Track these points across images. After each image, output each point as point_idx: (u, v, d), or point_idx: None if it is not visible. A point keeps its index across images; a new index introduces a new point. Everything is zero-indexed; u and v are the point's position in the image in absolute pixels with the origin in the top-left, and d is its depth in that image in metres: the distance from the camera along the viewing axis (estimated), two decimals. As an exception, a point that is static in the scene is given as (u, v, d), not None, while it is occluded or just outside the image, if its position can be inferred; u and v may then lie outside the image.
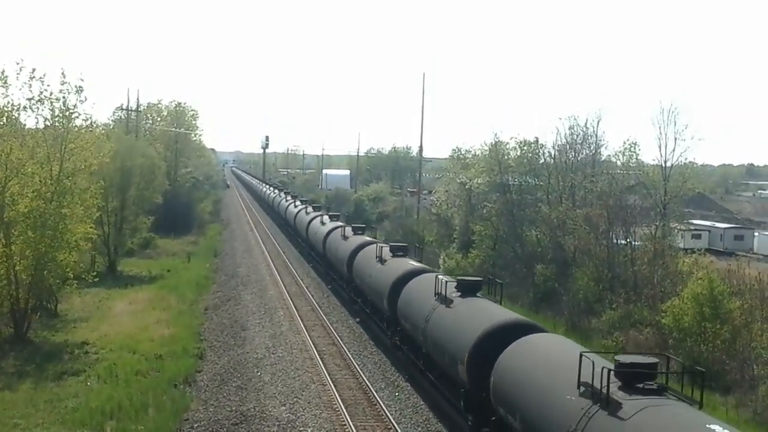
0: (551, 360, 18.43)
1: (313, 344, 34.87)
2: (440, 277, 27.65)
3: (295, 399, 27.35)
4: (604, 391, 15.03)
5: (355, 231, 47.50)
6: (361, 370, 31.01)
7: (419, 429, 25.08)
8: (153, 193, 67.70)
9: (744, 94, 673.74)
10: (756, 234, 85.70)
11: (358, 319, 40.71)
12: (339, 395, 27.51)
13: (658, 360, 16.11)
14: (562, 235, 49.30)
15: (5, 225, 36.22)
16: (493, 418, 20.69)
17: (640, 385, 15.13)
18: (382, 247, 37.71)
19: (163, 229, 78.38)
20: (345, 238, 46.86)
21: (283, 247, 72.24)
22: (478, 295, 25.98)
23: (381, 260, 36.31)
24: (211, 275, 58.21)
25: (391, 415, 25.72)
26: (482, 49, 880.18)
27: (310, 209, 69.17)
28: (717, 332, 32.33)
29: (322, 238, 52.95)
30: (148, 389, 28.85)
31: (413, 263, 34.33)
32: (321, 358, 32.45)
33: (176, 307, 45.32)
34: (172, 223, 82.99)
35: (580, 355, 16.41)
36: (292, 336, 36.73)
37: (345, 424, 24.80)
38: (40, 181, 37.25)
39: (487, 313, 23.46)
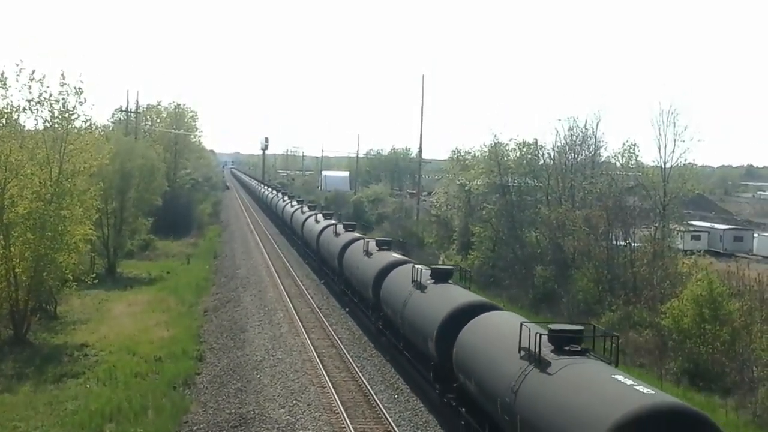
0: (500, 332, 21.32)
1: (313, 346, 34.85)
2: (417, 266, 30.76)
3: (294, 401, 27.33)
4: (538, 352, 17.98)
5: (346, 228, 50.60)
6: (360, 372, 30.99)
7: (419, 431, 25.05)
8: (152, 195, 67.74)
9: (743, 95, 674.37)
10: (755, 235, 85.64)
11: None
12: (338, 397, 27.49)
13: (583, 327, 19.05)
14: (562, 236, 49.31)
15: (5, 226, 36.23)
16: (455, 384, 23.48)
17: (567, 348, 18.05)
18: (368, 242, 41.56)
19: (162, 230, 78.38)
20: (337, 234, 49.88)
21: (283, 249, 72.23)
22: (449, 281, 28.92)
23: (368, 253, 39.44)
24: (210, 277, 58.21)
25: (391, 417, 25.70)
26: (481, 51, 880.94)
27: (305, 208, 71.42)
28: (716, 334, 32.30)
29: (316, 235, 56.63)
30: (148, 391, 28.85)
31: (396, 256, 37.91)
32: (320, 360, 32.43)
33: (176, 308, 45.32)
34: (171, 225, 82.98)
35: (521, 325, 19.26)
36: (291, 338, 36.71)
37: (344, 427, 24.78)
38: (40, 182, 37.26)
39: (454, 296, 26.38)
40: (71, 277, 38.45)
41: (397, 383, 30.06)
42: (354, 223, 55.75)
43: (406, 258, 38.06)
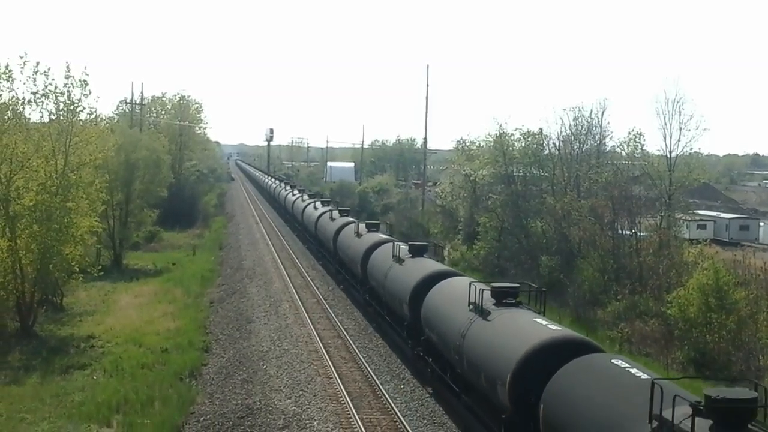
0: (457, 292, 25.40)
1: (319, 337, 34.90)
2: (397, 243, 35.55)
3: (300, 392, 27.38)
4: (481, 305, 22.77)
5: (342, 213, 54.20)
6: (366, 362, 31.03)
7: (425, 422, 25.09)
8: (158, 187, 67.78)
9: (749, 83, 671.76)
10: (761, 224, 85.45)
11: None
12: (344, 388, 27.53)
13: (518, 285, 24.14)
14: (567, 226, 49.25)
15: (11, 219, 36.28)
16: (423, 338, 28.16)
17: (505, 301, 22.71)
18: (359, 224, 45.59)
19: (168, 222, 78.50)
20: (332, 219, 53.25)
21: (288, 240, 72.27)
22: (424, 256, 33.49)
23: (358, 234, 43.42)
24: (216, 268, 58.28)
25: (397, 407, 25.74)
26: (486, 41, 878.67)
27: (306, 197, 73.96)
28: (722, 323, 32.23)
29: (314, 220, 59.67)
30: (154, 382, 28.94)
31: (382, 236, 42.01)
32: (326, 351, 32.47)
33: (181, 300, 45.40)
34: (176, 217, 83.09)
35: (470, 285, 23.80)
36: (297, 329, 36.76)
37: (351, 417, 24.83)
38: (45, 174, 37.30)
39: (425, 266, 30.90)
40: (77, 269, 38.53)
41: (403, 373, 30.10)
42: (348, 209, 59.72)
43: (391, 237, 42.19)
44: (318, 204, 65.04)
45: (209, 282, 52.25)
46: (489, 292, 23.16)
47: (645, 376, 15.54)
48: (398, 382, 28.94)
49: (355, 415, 24.84)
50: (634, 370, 16.10)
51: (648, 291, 39.41)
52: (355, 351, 32.85)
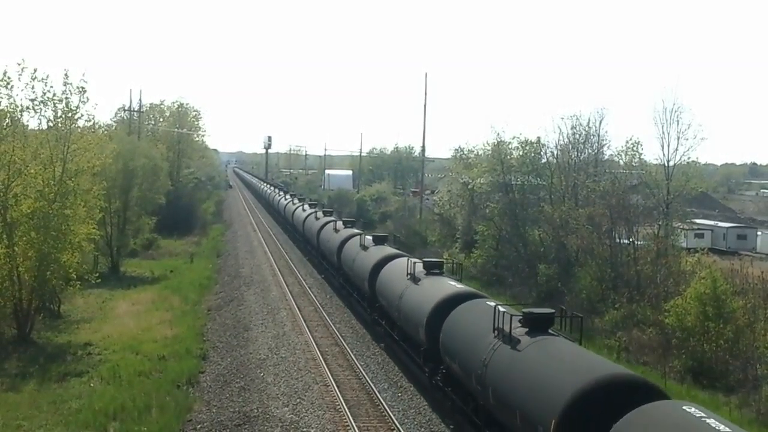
0: (479, 316, 23.07)
1: (316, 345, 34.86)
2: (411, 259, 32.70)
3: (298, 400, 27.34)
4: (509, 332, 20.08)
5: (345, 224, 51.54)
6: (364, 370, 30.99)
7: (423, 430, 25.06)
8: (156, 194, 67.82)
9: (747, 92, 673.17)
10: (759, 233, 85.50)
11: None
12: (342, 396, 27.50)
13: (553, 311, 20.91)
14: (565, 234, 49.26)
15: (8, 226, 36.26)
16: (442, 367, 25.50)
17: (537, 328, 20.00)
18: (365, 236, 43.20)
19: (165, 229, 78.46)
20: (336, 230, 50.79)
21: (286, 248, 72.24)
22: (440, 273, 31.01)
23: (364, 248, 41.22)
24: (213, 276, 58.23)
25: (395, 416, 25.71)
26: (484, 49, 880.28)
27: (306, 206, 72.10)
28: (720, 332, 32.28)
29: (316, 231, 57.32)
30: (151, 390, 28.87)
31: (391, 249, 39.42)
32: (324, 359, 32.44)
33: (179, 307, 45.34)
34: (174, 224, 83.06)
35: (495, 308, 21.31)
36: (295, 336, 36.72)
37: (348, 426, 24.79)
38: (43, 181, 37.29)
39: (443, 287, 28.13)
40: (75, 276, 38.44)
41: (400, 381, 30.07)
42: (353, 219, 56.85)
43: (401, 252, 39.49)
44: (319, 214, 62.57)
45: (207, 289, 52.20)
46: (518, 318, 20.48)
47: (725, 429, 13.35)
48: (396, 390, 28.91)
49: (353, 423, 24.81)
50: (711, 421, 13.64)
51: (646, 300, 39.42)
52: (352, 359, 32.81)
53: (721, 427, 13.38)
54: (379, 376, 30.70)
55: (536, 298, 47.76)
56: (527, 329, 20.04)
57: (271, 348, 34.53)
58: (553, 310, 20.75)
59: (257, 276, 55.05)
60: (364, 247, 41.12)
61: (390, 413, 25.89)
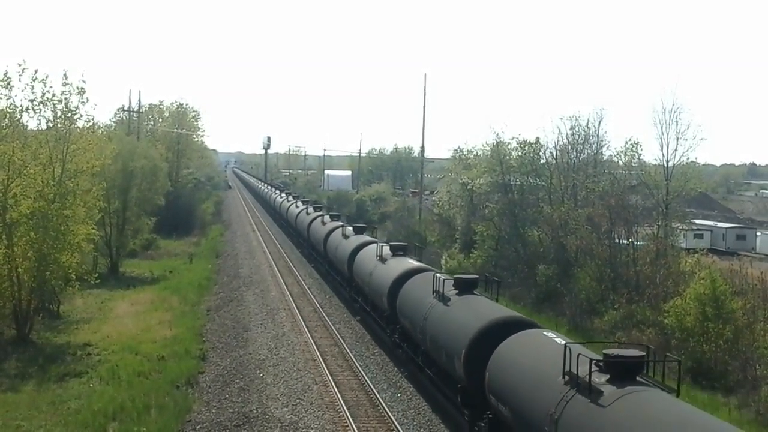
0: (541, 353, 19.00)
1: (316, 345, 34.87)
2: (438, 275, 28.14)
3: (297, 400, 27.35)
4: (587, 379, 15.73)
5: (356, 231, 49.14)
6: (363, 371, 31.00)
7: (422, 430, 25.07)
8: (155, 195, 67.78)
9: (746, 93, 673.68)
10: (758, 234, 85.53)
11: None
12: (341, 396, 27.51)
13: (643, 354, 16.51)
14: (564, 235, 49.26)
15: (8, 226, 36.25)
16: (489, 413, 21.39)
17: (622, 375, 15.73)
18: (382, 246, 38.76)
19: (165, 230, 78.45)
20: (345, 237, 48.26)
21: (285, 248, 72.25)
22: (475, 292, 26.73)
23: (381, 259, 37.31)
24: (213, 276, 58.22)
25: (394, 416, 25.72)
26: (483, 49, 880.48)
27: (311, 209, 70.43)
28: (719, 332, 32.30)
29: (322, 237, 54.42)
30: (151, 391, 28.86)
31: (412, 262, 35.18)
32: (323, 359, 32.45)
33: (178, 308, 45.33)
34: (174, 224, 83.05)
35: (565, 347, 17.08)
36: (294, 337, 36.73)
37: (347, 426, 24.80)
38: (43, 182, 37.28)
39: (484, 310, 23.89)
40: (74, 277, 38.44)
41: (400, 382, 30.08)
42: (364, 225, 53.71)
43: (425, 265, 35.10)
44: (326, 218, 59.29)
45: (206, 290, 52.20)
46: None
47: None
48: (395, 391, 28.92)
49: (352, 423, 24.82)
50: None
51: (645, 300, 39.41)
52: (351, 359, 32.82)
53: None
54: (378, 376, 30.70)
55: (535, 298, 47.80)
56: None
57: (271, 348, 34.54)
58: (642, 353, 16.74)
59: (256, 276, 55.06)
60: (382, 259, 37.00)
61: (389, 414, 25.90)
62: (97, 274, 44.27)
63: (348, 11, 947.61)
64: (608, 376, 15.78)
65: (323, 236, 53.62)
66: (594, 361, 16.09)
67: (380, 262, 37.00)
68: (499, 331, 21.50)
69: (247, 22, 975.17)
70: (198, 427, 25.44)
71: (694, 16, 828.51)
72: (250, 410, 26.38)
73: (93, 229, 41.60)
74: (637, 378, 15.77)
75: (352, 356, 33.25)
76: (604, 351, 16.43)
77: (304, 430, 24.59)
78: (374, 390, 28.43)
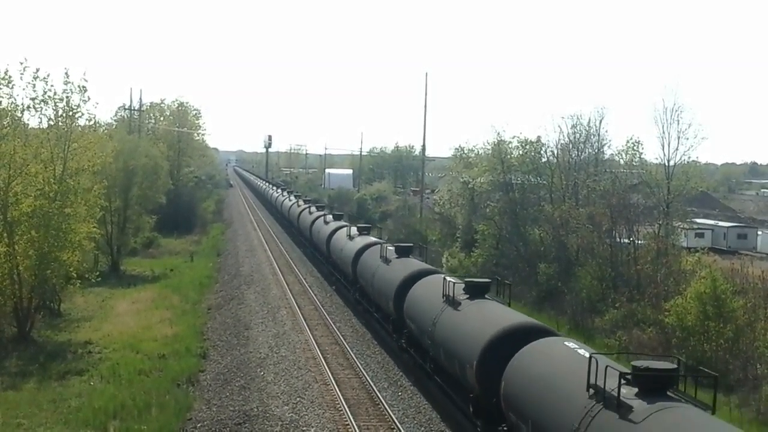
0: (564, 364, 17.90)
1: (316, 343, 34.88)
2: (448, 279, 27.36)
3: (298, 398, 27.36)
4: (615, 393, 14.73)
5: (361, 231, 48.03)
6: (364, 369, 31.01)
7: (422, 429, 25.06)
8: (156, 193, 67.84)
9: (747, 92, 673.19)
10: (759, 233, 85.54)
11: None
12: (342, 395, 27.52)
13: (675, 366, 15.41)
14: (565, 233, 49.27)
15: (9, 224, 36.26)
16: (505, 427, 20.26)
17: (653, 389, 14.79)
18: (386, 247, 37.91)
19: (166, 228, 78.49)
20: (351, 238, 47.46)
21: (286, 246, 72.27)
22: (486, 297, 25.76)
23: (386, 260, 36.30)
24: (214, 274, 58.24)
25: (395, 414, 25.72)
26: (485, 48, 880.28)
27: (313, 209, 70.15)
28: (720, 331, 32.29)
29: (325, 237, 53.48)
30: (151, 389, 28.87)
31: (419, 264, 34.24)
32: (324, 358, 32.46)
33: (179, 306, 45.35)
34: (175, 223, 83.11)
35: (591, 358, 16.06)
36: (295, 335, 36.75)
37: (348, 424, 24.80)
38: (44, 180, 37.28)
39: (497, 317, 22.93)
40: (75, 275, 38.45)
41: (400, 380, 30.09)
42: (369, 225, 53.11)
43: (431, 267, 34.21)
44: (329, 218, 58.16)
45: (207, 288, 52.21)
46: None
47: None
48: (396, 389, 28.92)
49: (353, 422, 24.82)
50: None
51: (646, 299, 39.41)
52: (352, 357, 32.83)
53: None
54: (379, 374, 30.71)
55: (536, 297, 47.81)
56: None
57: (272, 347, 34.56)
58: (674, 365, 15.40)
59: (257, 275, 55.07)
60: (386, 260, 36.10)
61: (390, 412, 25.90)
62: (98, 273, 44.29)
63: (349, 11, 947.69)
64: (637, 390, 14.80)
65: (326, 236, 52.60)
66: (622, 374, 14.98)
67: (384, 263, 36.13)
68: (514, 339, 20.54)
69: (248, 21, 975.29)
70: (198, 425, 25.45)
71: (695, 15, 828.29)
72: (250, 408, 26.39)
73: (94, 227, 41.61)
74: (668, 393, 14.81)
75: (353, 354, 33.26)
76: (633, 363, 15.48)
77: (304, 428, 24.59)
78: (375, 388, 28.44)
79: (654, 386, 14.73)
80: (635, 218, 45.86)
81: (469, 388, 22.68)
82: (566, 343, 19.39)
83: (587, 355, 16.60)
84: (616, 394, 14.62)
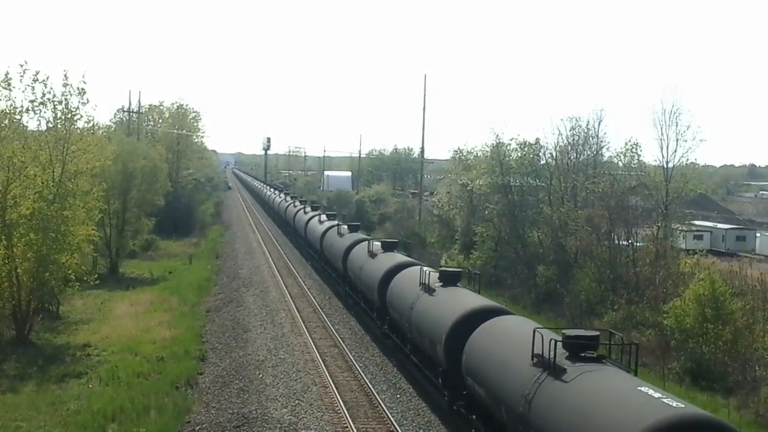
0: (512, 337, 20.60)
1: (315, 346, 34.87)
2: (425, 269, 30.36)
3: (297, 401, 27.34)
4: (552, 360, 17.17)
5: (350, 229, 50.41)
6: (362, 372, 31.00)
7: (421, 431, 25.05)
8: (155, 195, 67.82)
9: (746, 94, 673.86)
10: (758, 235, 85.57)
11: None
12: (341, 397, 27.51)
13: (599, 333, 18.33)
14: (564, 236, 49.29)
15: (7, 227, 36.26)
16: (465, 392, 23.05)
17: (583, 355, 17.31)
18: (373, 242, 41.17)
19: (164, 230, 78.50)
20: (340, 235, 49.42)
21: (285, 249, 72.25)
22: (458, 284, 28.11)
23: (372, 254, 38.91)
24: (212, 277, 58.23)
25: (393, 417, 25.71)
26: (483, 50, 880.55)
27: (308, 209, 71.43)
28: (719, 333, 32.29)
29: (319, 236, 55.61)
30: (150, 391, 28.88)
31: (401, 257, 37.11)
32: (323, 360, 32.45)
33: (178, 308, 45.35)
34: (173, 225, 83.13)
35: (534, 331, 18.41)
36: (293, 338, 36.73)
37: (347, 427, 24.79)
38: (43, 183, 37.31)
39: (463, 300, 25.61)
40: (74, 278, 38.48)
41: (399, 383, 30.07)
42: (358, 223, 54.87)
43: (413, 260, 36.80)
44: (323, 217, 58.91)
45: (206, 291, 52.21)
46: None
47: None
48: (394, 392, 28.91)
49: (351, 424, 24.81)
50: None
51: (644, 301, 39.43)
52: (351, 360, 32.82)
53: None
54: (377, 377, 30.69)
55: (535, 299, 47.82)
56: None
57: (270, 349, 34.54)
58: (598, 333, 18.36)
59: (256, 277, 55.06)
60: (372, 254, 38.66)
61: (389, 415, 25.89)
62: (96, 275, 44.27)
63: (348, 12, 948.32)
64: (567, 354, 17.31)
65: (319, 234, 55.13)
66: (555, 341, 17.30)
67: (370, 257, 38.69)
68: (476, 318, 23.10)
69: (246, 23, 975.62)
70: (197, 428, 25.44)
71: (693, 17, 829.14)
72: (249, 411, 26.37)
73: (93, 229, 41.65)
74: (603, 361, 17.15)
75: (351, 357, 33.25)
76: (563, 331, 18.35)
77: (303, 430, 24.57)
78: (373, 391, 28.43)
79: (581, 350, 17.34)
80: (634, 220, 45.90)
81: (439, 363, 25.32)
82: (516, 318, 23.08)
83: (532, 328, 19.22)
84: (552, 360, 17.14)
